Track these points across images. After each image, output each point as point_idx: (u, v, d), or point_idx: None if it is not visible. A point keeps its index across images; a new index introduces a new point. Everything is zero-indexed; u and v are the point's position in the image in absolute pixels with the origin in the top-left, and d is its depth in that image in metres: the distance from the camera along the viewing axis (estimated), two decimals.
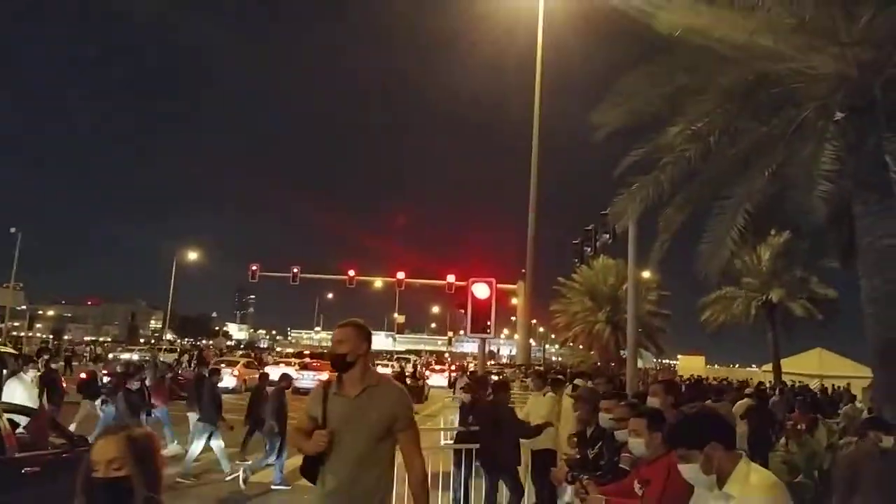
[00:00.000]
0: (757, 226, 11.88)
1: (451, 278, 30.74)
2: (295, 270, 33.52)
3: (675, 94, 9.98)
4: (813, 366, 31.08)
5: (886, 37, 8.21)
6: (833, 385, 26.14)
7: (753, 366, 39.59)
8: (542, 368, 20.93)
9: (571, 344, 40.72)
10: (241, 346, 77.44)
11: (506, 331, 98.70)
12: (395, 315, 67.72)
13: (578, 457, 5.88)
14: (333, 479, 3.17)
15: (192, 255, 55.39)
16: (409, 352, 65.13)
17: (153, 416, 12.50)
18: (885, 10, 8.21)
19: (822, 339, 32.01)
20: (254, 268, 33.47)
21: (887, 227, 8.56)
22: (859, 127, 8.81)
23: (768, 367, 30.48)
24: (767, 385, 24.41)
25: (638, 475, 4.04)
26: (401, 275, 33.28)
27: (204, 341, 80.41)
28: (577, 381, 9.79)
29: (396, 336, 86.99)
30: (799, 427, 9.37)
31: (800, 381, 27.97)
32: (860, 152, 8.77)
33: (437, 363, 48.73)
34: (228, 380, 14.84)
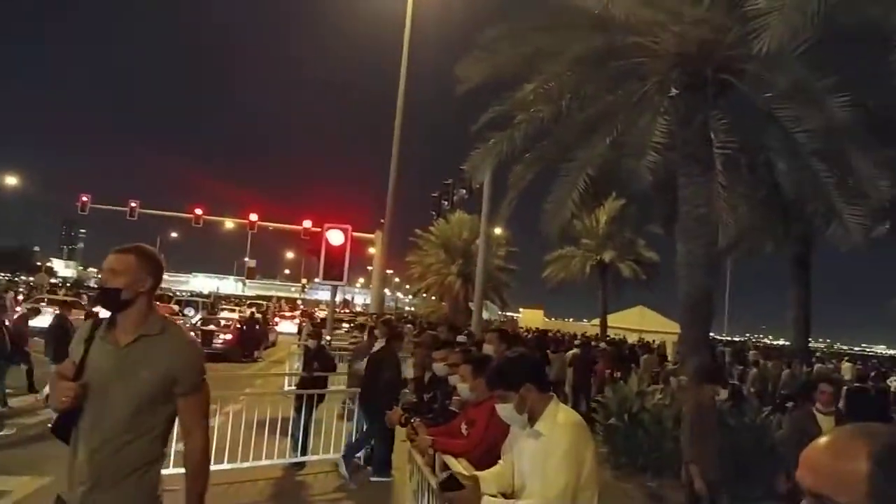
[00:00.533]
0: (597, 190, 12.71)
1: (307, 223, 29.92)
2: (133, 205, 30.77)
3: (534, 55, 10.23)
4: (634, 321, 34.56)
5: (722, 20, 8.92)
6: (652, 340, 29.22)
7: (585, 320, 43.24)
8: (390, 316, 21.25)
9: (425, 294, 41.71)
10: (67, 284, 70.27)
11: (361, 279, 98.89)
12: (246, 259, 65.02)
13: (415, 400, 6.03)
14: (85, 448, 2.44)
15: (11, 181, 48.79)
16: (259, 297, 63.08)
17: None
18: None
19: (644, 297, 35.65)
20: (84, 199, 30.23)
21: (703, 198, 9.50)
22: (690, 104, 9.61)
23: (597, 321, 33.39)
24: (594, 337, 26.86)
25: (465, 417, 4.21)
26: (253, 216, 31.81)
27: (23, 277, 71.98)
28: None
29: (247, 281, 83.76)
30: (615, 375, 10.35)
31: (622, 335, 30.99)
32: (689, 127, 9.60)
33: (289, 310, 47.72)
34: (46, 319, 13.43)
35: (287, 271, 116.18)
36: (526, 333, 29.08)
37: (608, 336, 28.95)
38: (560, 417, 2.76)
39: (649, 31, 9.43)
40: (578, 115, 10.92)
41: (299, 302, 67.33)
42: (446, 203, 24.05)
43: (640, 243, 30.06)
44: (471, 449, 3.83)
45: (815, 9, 5.08)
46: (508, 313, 54.00)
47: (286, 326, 34.75)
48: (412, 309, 64.69)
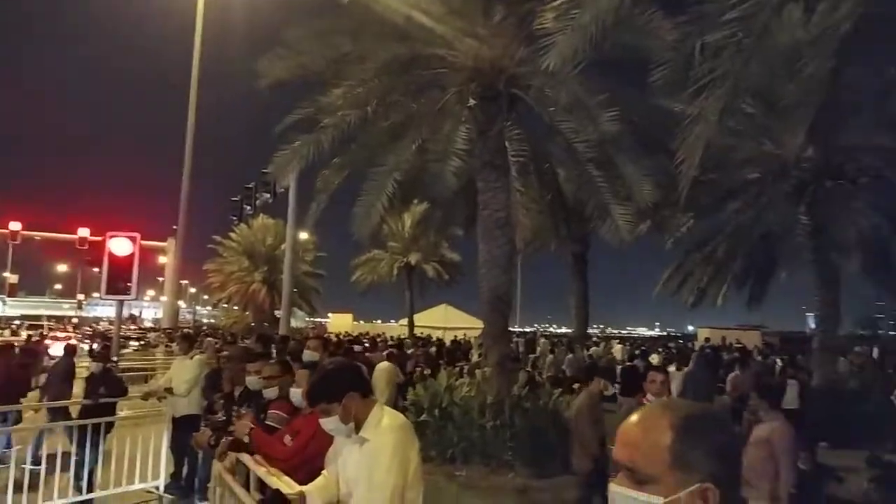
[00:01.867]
0: (404, 194, 13.05)
1: (83, 232, 26.56)
2: None
3: (340, 58, 10.21)
4: (439, 319, 36.00)
5: (511, 38, 9.68)
6: (455, 336, 30.63)
7: (393, 321, 44.08)
8: (190, 331, 19.70)
9: (226, 304, 39.31)
10: None
11: (151, 291, 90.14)
12: (7, 274, 55.55)
13: (223, 419, 5.66)
14: None
15: None
16: (24, 317, 54.50)
17: None
18: (513, 12, 9.64)
19: (447, 296, 37.35)
20: None
21: (501, 202, 10.24)
22: (487, 114, 10.30)
23: (405, 321, 34.23)
24: (404, 336, 27.50)
25: (290, 428, 4.05)
26: (15, 225, 27.46)
27: None
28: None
29: (7, 299, 71.78)
30: (425, 372, 10.72)
31: (427, 333, 32.12)
32: (486, 136, 10.27)
33: (61, 329, 41.88)
34: None
35: (58, 286, 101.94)
36: (345, 337, 28.87)
37: (416, 335, 29.84)
38: (385, 421, 2.79)
39: (447, 45, 9.91)
40: (385, 120, 11.12)
41: (75, 320, 59.60)
42: (249, 208, 22.98)
43: (444, 245, 31.42)
44: (290, 457, 3.70)
45: (594, 31, 5.77)
46: (317, 319, 53.06)
47: (59, 348, 30.42)
48: (212, 321, 60.71)
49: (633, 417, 1.22)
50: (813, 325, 14.45)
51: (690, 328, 53.83)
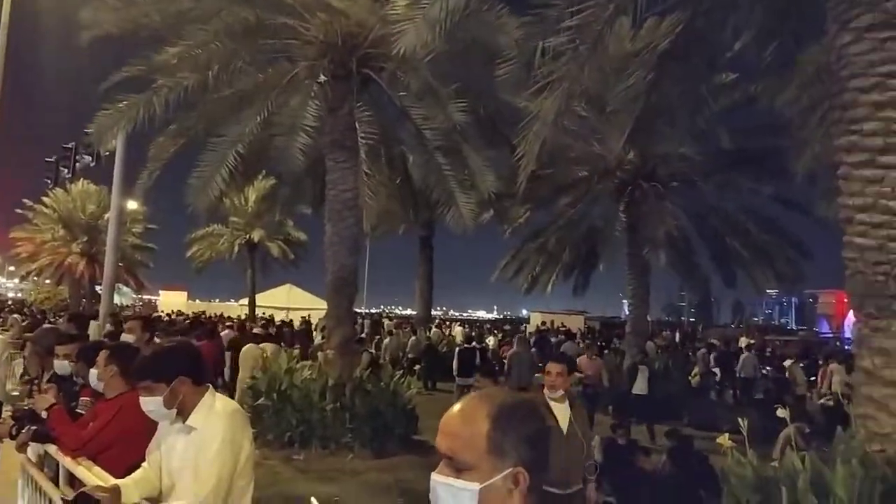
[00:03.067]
0: (247, 167, 12.45)
1: None
2: None
3: (179, 16, 9.44)
4: (282, 300, 34.99)
5: (366, 17, 9.54)
6: (302, 317, 29.93)
7: (232, 300, 42.02)
8: None
9: (37, 277, 34.95)
10: None
11: None
12: None
13: (27, 408, 5.08)
14: None
15: None
16: None
17: None
18: None
19: (292, 275, 36.34)
20: None
21: (349, 183, 10.15)
22: (338, 92, 10.11)
23: (245, 301, 32.83)
24: (244, 316, 26.46)
25: (93, 414, 3.72)
26: None
27: None
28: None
29: None
30: (265, 356, 10.40)
31: (270, 314, 31.13)
32: (336, 115, 10.10)
33: None
34: None
35: None
36: (168, 317, 26.93)
37: (257, 315, 28.75)
38: (217, 407, 2.69)
39: (298, 15, 9.57)
40: (228, 88, 10.50)
41: None
42: (66, 171, 20.54)
43: (290, 223, 30.46)
44: (80, 446, 3.33)
45: (443, 23, 5.89)
46: (146, 296, 49.07)
47: None
48: (19, 295, 53.78)
49: (455, 408, 1.28)
50: (627, 312, 16.11)
51: (525, 312, 57.54)
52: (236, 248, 30.85)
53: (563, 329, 29.29)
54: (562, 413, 4.42)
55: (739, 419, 4.69)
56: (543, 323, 32.17)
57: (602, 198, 16.02)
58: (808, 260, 14.45)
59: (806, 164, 9.16)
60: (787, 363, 15.99)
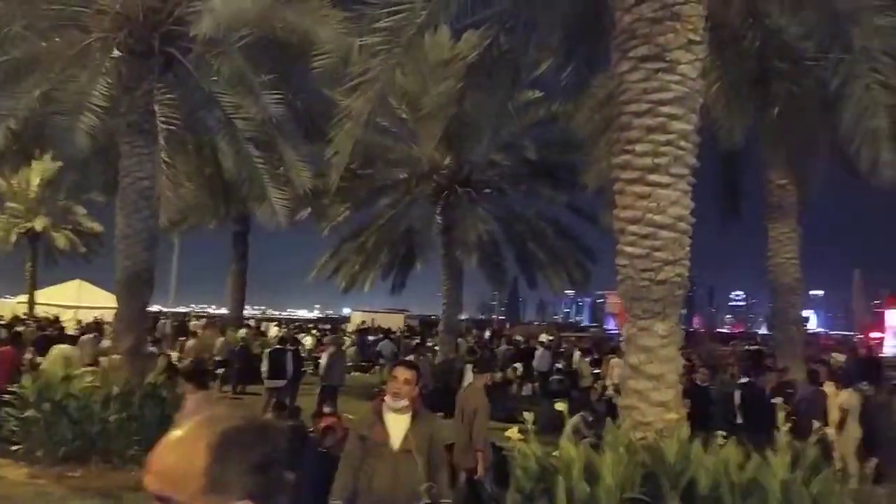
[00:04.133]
0: (24, 147, 10.88)
1: None
2: None
3: None
4: (71, 297, 31.00)
5: None
6: (95, 317, 26.71)
7: (9, 296, 36.35)
8: None
9: None
10: None
11: None
12: None
13: None
14: None
15: None
16: None
17: None
18: None
19: (85, 270, 32.34)
20: None
21: (147, 170, 9.24)
22: (135, 70, 9.15)
23: (24, 297, 28.66)
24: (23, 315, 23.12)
25: None
26: None
27: None
28: None
29: None
30: (36, 360, 9.12)
31: (54, 313, 27.44)
32: (133, 95, 9.13)
33: None
34: None
35: None
36: None
37: (35, 315, 25.18)
38: None
39: None
40: (1, 54, 9.05)
41: None
42: None
43: (81, 211, 27.15)
44: None
45: (251, 7, 5.57)
46: None
47: None
48: None
49: (167, 441, 1.08)
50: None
51: (346, 311, 57.18)
52: (14, 237, 26.77)
53: (384, 328, 29.63)
54: (398, 427, 3.85)
55: (525, 413, 4.99)
56: (363, 322, 32.21)
57: (421, 200, 16.41)
58: (596, 264, 16.10)
59: (594, 179, 10.14)
60: (576, 358, 17.59)
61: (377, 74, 5.72)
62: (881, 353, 38.98)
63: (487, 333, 34.11)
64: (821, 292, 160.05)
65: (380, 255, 16.86)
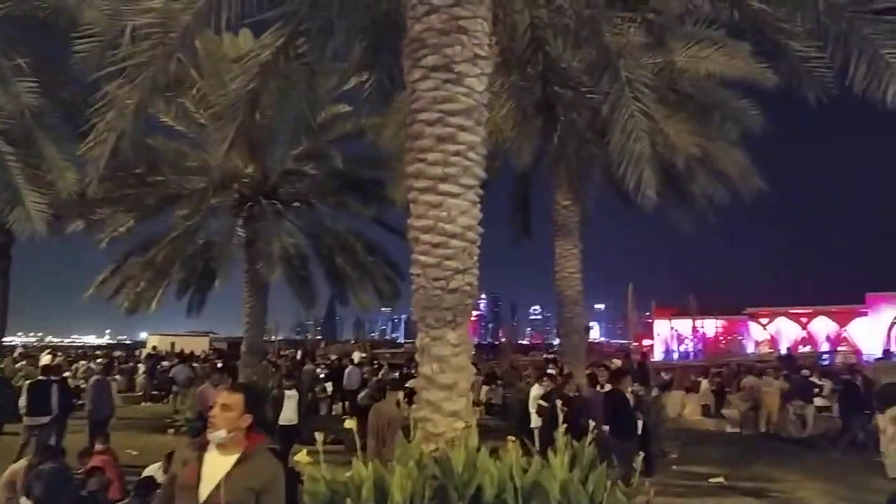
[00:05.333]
0: None
1: None
2: None
3: None
4: None
5: None
6: None
7: None
8: None
9: None
10: None
11: None
12: None
13: None
14: None
15: None
16: None
17: None
18: None
19: None
20: None
21: None
22: None
23: None
24: None
25: None
26: None
27: None
28: None
29: None
30: None
31: None
32: None
33: None
34: None
35: None
36: None
37: None
38: None
39: None
40: None
41: None
42: None
43: None
44: None
45: None
46: None
47: None
48: None
49: None
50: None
51: (143, 335, 51.63)
52: None
53: (180, 352, 27.18)
54: (215, 469, 3.00)
55: (316, 434, 4.65)
56: (154, 347, 29.25)
57: (221, 212, 15.29)
58: (405, 280, 16.22)
59: (402, 194, 10.14)
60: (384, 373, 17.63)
61: (148, 60, 5.07)
62: (652, 358, 44.56)
63: (299, 354, 32.97)
64: (602, 305, 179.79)
65: (171, 271, 15.32)
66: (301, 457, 4.67)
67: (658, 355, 48.19)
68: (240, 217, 14.66)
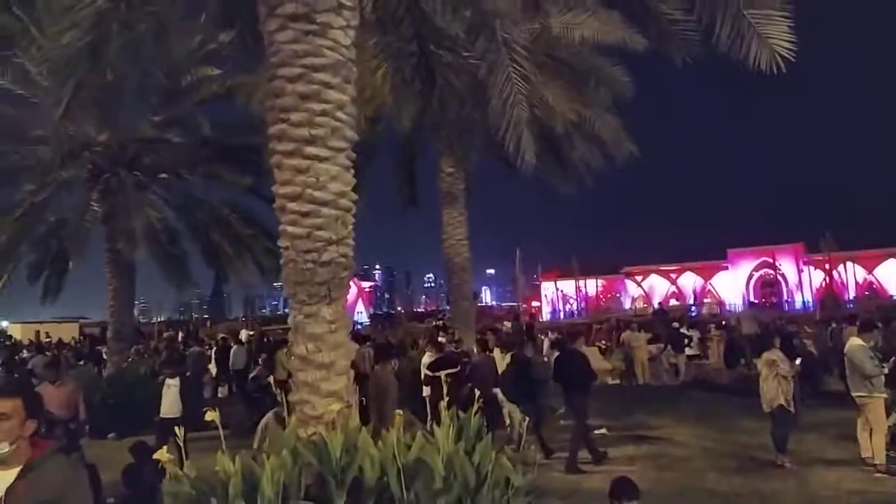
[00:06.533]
0: None
1: None
2: None
3: None
4: None
5: None
6: None
7: None
8: None
9: None
10: None
11: None
12: None
13: None
14: None
15: None
16: None
17: None
18: None
19: None
20: None
21: None
22: None
23: None
24: None
25: None
26: None
27: None
28: None
29: None
30: None
31: None
32: None
33: None
34: None
35: None
36: None
37: None
38: None
39: None
40: None
41: None
42: None
43: None
44: None
45: None
46: None
47: None
48: None
49: None
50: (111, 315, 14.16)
51: (4, 324, 46.55)
52: None
53: (48, 339, 24.80)
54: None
55: (175, 427, 4.16)
56: (10, 336, 26.49)
57: (76, 185, 13.76)
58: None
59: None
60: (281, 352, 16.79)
61: None
62: (540, 318, 46.35)
63: (181, 335, 31.10)
64: (493, 270, 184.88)
65: (20, 253, 13.65)
66: (161, 454, 4.17)
67: (545, 316, 50.30)
68: (95, 191, 13.23)
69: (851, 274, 42.80)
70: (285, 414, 7.20)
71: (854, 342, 8.03)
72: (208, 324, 51.63)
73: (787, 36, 5.49)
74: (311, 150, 4.66)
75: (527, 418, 7.32)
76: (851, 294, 41.77)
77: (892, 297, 39.86)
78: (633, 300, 50.22)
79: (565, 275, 50.82)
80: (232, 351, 16.33)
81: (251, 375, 14.79)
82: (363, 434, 4.28)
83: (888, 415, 7.99)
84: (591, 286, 52.44)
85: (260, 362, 16.51)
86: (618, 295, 52.22)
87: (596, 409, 12.06)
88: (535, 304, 52.68)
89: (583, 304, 50.90)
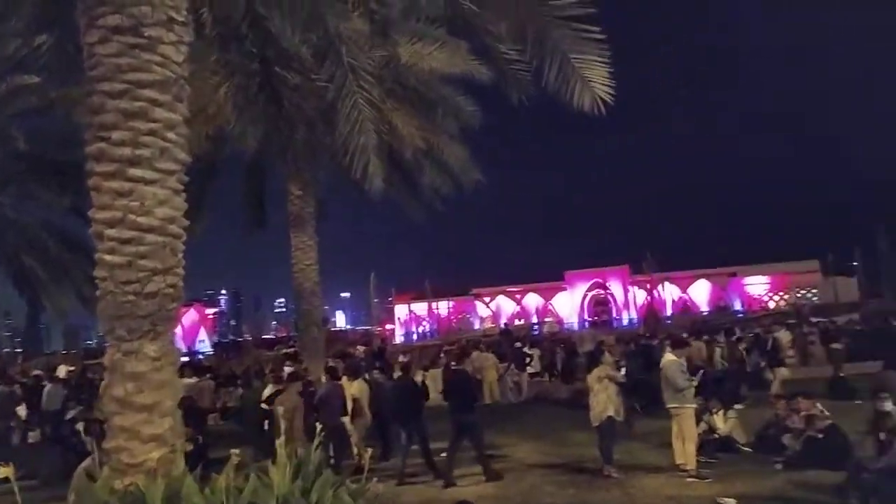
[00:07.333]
0: None
1: None
2: None
3: None
4: None
5: None
6: None
7: None
8: None
9: None
10: None
11: None
12: None
13: None
14: None
15: None
16: None
17: None
18: None
19: None
20: None
21: None
22: None
23: None
24: None
25: None
26: None
27: None
28: None
29: None
30: None
31: None
32: None
33: None
34: None
35: None
36: None
37: None
38: None
39: None
40: None
41: None
42: None
43: None
44: None
45: None
46: None
47: None
48: None
49: None
50: None
51: None
52: None
53: None
54: None
55: None
56: None
57: None
58: None
59: None
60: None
61: None
62: (393, 341, 46.41)
63: None
64: (348, 294, 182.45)
65: None
66: None
67: (399, 338, 50.47)
68: None
69: (668, 293, 47.92)
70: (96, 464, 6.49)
71: (668, 358, 8.90)
72: (19, 359, 45.56)
73: (607, 80, 6.03)
74: (135, 171, 4.29)
75: (370, 449, 7.25)
76: (669, 311, 46.64)
77: (702, 313, 45.10)
78: (482, 320, 52.04)
79: (419, 297, 51.50)
80: (46, 390, 14.46)
81: (67, 417, 13.21)
82: (188, 481, 3.95)
83: (697, 424, 8.93)
84: (443, 308, 53.59)
85: (80, 402, 14.82)
86: (468, 315, 53.83)
87: (445, 431, 12.24)
88: (388, 326, 52.71)
89: (435, 326, 51.79)
